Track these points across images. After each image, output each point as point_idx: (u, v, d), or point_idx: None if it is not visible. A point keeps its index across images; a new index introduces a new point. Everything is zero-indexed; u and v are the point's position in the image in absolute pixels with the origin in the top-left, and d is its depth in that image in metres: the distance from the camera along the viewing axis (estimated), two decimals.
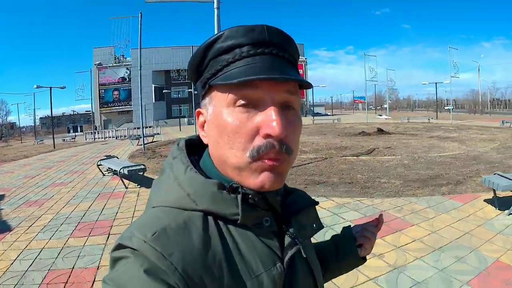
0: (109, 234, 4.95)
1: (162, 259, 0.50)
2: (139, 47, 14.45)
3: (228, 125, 0.58)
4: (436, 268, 3.56)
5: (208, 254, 0.54)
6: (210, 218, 0.58)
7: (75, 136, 41.23)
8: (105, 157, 10.24)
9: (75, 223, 5.56)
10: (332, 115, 68.54)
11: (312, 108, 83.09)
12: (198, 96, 0.68)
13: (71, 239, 4.82)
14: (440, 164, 9.07)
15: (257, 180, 0.58)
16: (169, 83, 63.28)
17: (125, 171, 7.79)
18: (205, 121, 0.65)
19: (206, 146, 0.68)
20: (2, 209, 6.79)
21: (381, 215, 0.97)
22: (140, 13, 14.31)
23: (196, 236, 0.55)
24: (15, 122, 78.18)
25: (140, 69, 14.87)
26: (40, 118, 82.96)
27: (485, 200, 5.69)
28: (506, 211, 5.12)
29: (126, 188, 7.83)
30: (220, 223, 0.59)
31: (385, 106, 74.89)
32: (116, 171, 8.26)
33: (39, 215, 6.17)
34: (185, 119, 58.98)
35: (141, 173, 8.21)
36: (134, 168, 8.13)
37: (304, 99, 75.71)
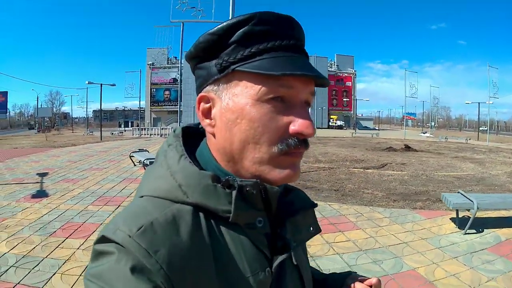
0: (119, 205, 6.30)
1: (148, 256, 0.48)
2: (180, 55, 15.31)
3: (257, 119, 0.55)
4: (346, 263, 3.94)
5: (195, 253, 0.52)
6: (200, 214, 0.56)
7: (124, 130, 43.96)
8: (138, 150, 11.72)
9: (97, 196, 7.01)
10: (378, 130, 67.58)
11: (358, 121, 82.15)
12: (202, 78, 0.61)
13: (90, 206, 6.28)
14: (438, 182, 9.33)
15: (283, 173, 0.57)
16: None
17: (148, 162, 9.15)
18: (210, 108, 0.60)
19: (205, 134, 0.65)
20: (44, 182, 8.44)
21: (379, 280, 0.77)
22: (182, 23, 15.11)
23: (184, 232, 0.52)
24: (68, 113, 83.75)
25: (181, 75, 16.05)
26: (93, 110, 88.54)
27: (450, 218, 5.78)
28: (463, 230, 5.18)
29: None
30: (211, 219, 0.56)
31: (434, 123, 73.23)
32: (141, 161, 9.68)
33: (72, 189, 7.71)
34: None
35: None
36: (153, 159, 9.30)
37: (352, 112, 75.60)
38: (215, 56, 0.58)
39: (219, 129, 0.59)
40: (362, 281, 0.77)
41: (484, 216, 5.89)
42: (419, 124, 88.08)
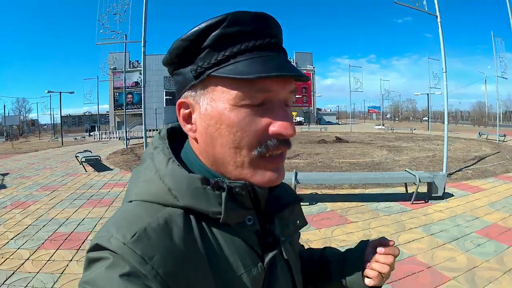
0: (54, 190, 8.38)
1: (143, 263, 0.48)
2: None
3: (236, 124, 0.55)
4: None
5: (190, 256, 0.53)
6: (191, 217, 0.56)
7: (86, 135, 44.96)
8: (83, 151, 13.65)
9: (41, 186, 9.10)
10: (338, 124, 70.46)
11: (321, 116, 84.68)
12: (180, 84, 0.61)
13: (34, 192, 8.37)
14: (325, 168, 10.64)
15: (265, 177, 0.58)
16: None
17: (84, 159, 11.27)
18: (190, 113, 0.61)
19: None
20: (4, 179, 10.44)
21: (393, 247, 0.77)
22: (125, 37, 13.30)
23: (177, 237, 0.52)
24: (37, 119, 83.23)
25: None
26: (62, 116, 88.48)
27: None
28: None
29: (86, 171, 11.23)
30: (202, 221, 0.57)
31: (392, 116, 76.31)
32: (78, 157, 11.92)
33: (25, 182, 9.77)
34: None
35: (94, 161, 11.71)
36: (89, 156, 11.76)
37: (312, 107, 78.04)
38: (190, 61, 0.57)
39: (200, 134, 0.59)
40: (380, 243, 0.78)
41: (324, 192, 7.44)
42: (387, 116, 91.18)
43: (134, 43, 11.77)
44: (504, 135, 20.57)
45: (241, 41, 0.55)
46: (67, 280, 3.63)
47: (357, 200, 6.80)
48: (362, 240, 0.85)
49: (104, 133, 37.68)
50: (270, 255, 0.62)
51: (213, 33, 0.55)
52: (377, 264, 0.76)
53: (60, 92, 31.36)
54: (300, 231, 0.79)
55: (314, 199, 6.88)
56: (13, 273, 3.81)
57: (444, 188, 6.92)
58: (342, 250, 0.89)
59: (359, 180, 7.19)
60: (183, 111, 0.61)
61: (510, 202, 6.51)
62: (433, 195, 6.76)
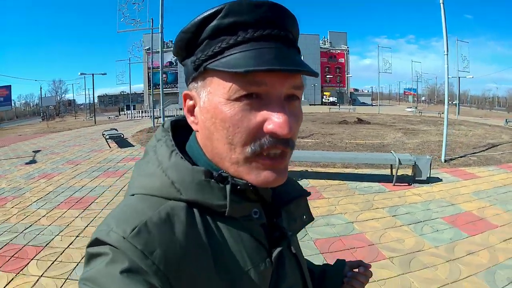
0: (77, 164, 9.46)
1: (143, 258, 0.47)
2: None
3: (229, 119, 0.53)
4: None
5: (193, 250, 0.51)
6: (195, 210, 0.55)
7: (119, 114, 46.68)
8: (109, 129, 14.83)
9: (67, 160, 10.22)
10: (372, 105, 69.07)
11: (356, 97, 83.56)
12: (186, 75, 0.61)
13: (60, 165, 9.49)
14: (329, 148, 11.10)
15: (259, 177, 0.55)
16: None
17: (107, 136, 12.45)
18: (194, 106, 0.59)
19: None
20: (36, 155, 11.71)
21: (370, 270, 0.87)
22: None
23: (180, 230, 0.51)
24: (74, 100, 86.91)
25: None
26: (98, 96, 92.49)
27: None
28: None
29: (110, 147, 12.32)
30: (206, 215, 0.55)
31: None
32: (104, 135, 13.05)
33: (54, 158, 10.93)
34: None
35: (118, 138, 12.81)
36: (114, 134, 12.91)
37: (346, 88, 76.89)
38: (192, 53, 0.57)
39: (200, 127, 0.58)
40: (359, 265, 0.88)
41: (315, 170, 7.90)
42: (423, 99, 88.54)
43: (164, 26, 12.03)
44: None
45: (237, 33, 0.53)
46: (70, 230, 4.72)
47: (342, 179, 7.18)
48: (338, 259, 0.91)
49: (138, 111, 39.19)
50: (278, 249, 0.60)
51: (210, 25, 0.53)
52: (357, 282, 0.84)
53: (93, 74, 33.49)
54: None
55: (302, 175, 7.42)
56: (30, 225, 4.92)
57: (430, 172, 6.98)
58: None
59: (341, 159, 7.65)
60: (188, 103, 0.60)
61: (498, 192, 6.41)
62: (417, 178, 6.89)
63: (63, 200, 6.11)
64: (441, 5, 8.98)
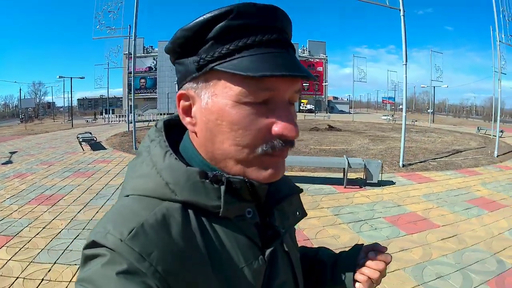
0: (50, 165, 9.78)
1: (141, 260, 0.47)
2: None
3: (237, 122, 0.53)
4: None
5: (189, 251, 0.52)
6: (190, 211, 0.55)
7: (95, 118, 46.36)
8: (84, 133, 15.14)
9: (41, 162, 10.55)
10: (349, 113, 70.17)
11: (334, 105, 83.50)
12: (181, 74, 0.58)
13: (34, 166, 9.79)
14: (292, 154, 11.96)
15: (266, 173, 0.57)
16: None
17: (81, 138, 12.85)
18: (190, 106, 0.58)
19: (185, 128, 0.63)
20: (12, 156, 11.98)
21: (386, 253, 0.78)
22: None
23: (176, 231, 0.52)
24: (53, 102, 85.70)
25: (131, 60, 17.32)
26: (78, 99, 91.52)
27: None
28: None
29: (83, 150, 12.71)
30: (201, 215, 0.56)
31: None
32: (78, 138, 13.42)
33: (28, 159, 11.27)
34: None
35: (92, 141, 13.21)
36: (87, 137, 13.31)
37: (323, 96, 77.75)
38: (193, 52, 0.55)
39: (199, 128, 0.58)
40: (373, 249, 0.78)
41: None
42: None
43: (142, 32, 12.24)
44: (502, 131, 19.60)
45: (247, 35, 0.52)
46: (38, 222, 5.20)
47: (297, 182, 7.61)
48: (356, 244, 0.84)
49: (117, 115, 39.27)
50: (271, 247, 0.61)
51: (218, 25, 0.52)
52: (368, 269, 0.76)
53: (71, 78, 33.34)
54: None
55: None
56: (2, 218, 5.37)
57: (381, 176, 7.37)
58: None
59: (299, 163, 8.19)
60: (183, 103, 0.59)
61: (450, 195, 6.73)
62: (368, 181, 7.26)
63: (34, 197, 6.54)
64: (401, 18, 9.64)
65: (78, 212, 5.64)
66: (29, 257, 3.98)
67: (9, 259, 3.92)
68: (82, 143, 13.07)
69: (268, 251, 0.61)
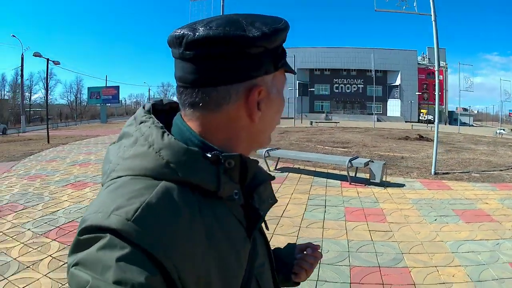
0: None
1: (147, 240, 0.48)
2: None
3: (282, 105, 0.69)
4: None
5: (190, 229, 0.53)
6: (187, 190, 0.56)
7: None
8: None
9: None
10: (472, 126, 64.09)
11: (457, 116, 77.93)
12: (247, 65, 0.61)
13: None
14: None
15: (268, 141, 0.74)
16: (313, 80, 70.72)
17: None
18: (262, 99, 0.63)
19: (168, 112, 0.70)
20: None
21: (318, 251, 0.98)
22: None
23: (177, 210, 0.53)
24: None
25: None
26: None
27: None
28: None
29: None
30: (197, 194, 0.57)
31: None
32: None
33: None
34: (323, 114, 64.84)
35: None
36: None
37: (443, 106, 72.90)
38: (273, 53, 0.62)
39: (264, 119, 0.65)
40: (307, 247, 0.97)
41: (303, 167, 9.86)
42: None
43: None
44: None
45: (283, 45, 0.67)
46: None
47: (315, 175, 8.88)
48: (289, 243, 1.01)
49: None
50: (256, 227, 0.66)
51: (285, 33, 0.64)
52: (305, 263, 0.94)
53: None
54: None
55: (286, 170, 9.69)
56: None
57: (382, 176, 7.72)
58: None
59: (312, 158, 9.41)
60: (259, 97, 0.62)
61: (443, 202, 6.72)
62: (371, 180, 7.79)
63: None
64: (433, 23, 9.28)
65: None
66: None
67: None
68: None
69: (253, 232, 0.65)
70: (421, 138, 22.04)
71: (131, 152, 0.59)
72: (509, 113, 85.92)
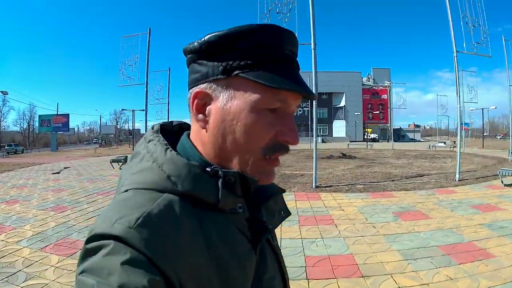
0: (80, 176, 14.55)
1: (149, 246, 0.49)
2: (146, 66, 16.65)
3: (252, 125, 0.60)
4: None
5: (190, 240, 0.54)
6: (189, 203, 0.58)
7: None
8: (116, 156, 20.35)
9: (80, 174, 15.39)
10: (415, 141, 66.98)
11: (405, 133, 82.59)
12: (200, 74, 0.63)
13: (75, 176, 14.68)
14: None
15: (264, 176, 0.64)
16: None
17: (111, 160, 17.82)
18: (205, 104, 0.63)
19: (177, 133, 0.72)
20: (62, 170, 17.20)
21: None
22: (149, 29, 16.77)
23: (178, 221, 0.54)
24: (137, 129, 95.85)
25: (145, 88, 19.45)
26: (133, 130, 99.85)
27: None
28: None
29: (113, 168, 17.40)
30: (198, 207, 0.59)
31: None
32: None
33: (73, 172, 16.31)
34: (320, 137, 64.90)
35: (122, 161, 17.79)
36: (119, 158, 18.31)
37: (388, 124, 74.06)
38: (217, 57, 0.61)
39: (212, 125, 0.62)
40: None
41: None
42: (475, 134, 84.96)
43: None
44: None
45: (271, 51, 0.61)
46: None
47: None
48: None
49: None
50: (262, 241, 0.65)
51: (250, 38, 0.60)
52: None
53: (133, 110, 41.16)
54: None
55: None
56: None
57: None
58: None
59: None
60: (198, 101, 0.63)
61: (300, 210, 7.57)
62: None
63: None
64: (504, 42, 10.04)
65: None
66: None
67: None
68: (113, 163, 18.01)
69: (259, 245, 0.64)
70: (343, 156, 23.56)
71: (138, 168, 0.62)
72: (461, 127, 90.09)
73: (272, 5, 11.01)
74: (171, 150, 0.62)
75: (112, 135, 78.23)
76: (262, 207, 0.70)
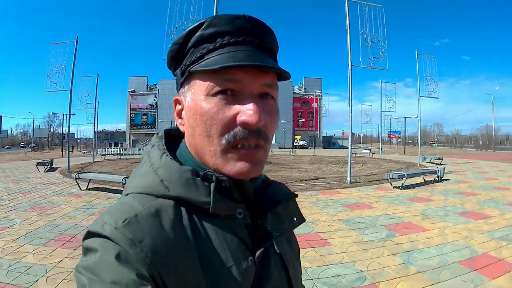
0: (7, 177, 15.25)
1: (133, 245, 0.51)
2: (71, 73, 17.04)
3: (206, 113, 0.59)
4: None
5: (179, 243, 0.54)
6: (182, 208, 0.59)
7: (72, 151, 49.21)
8: (42, 160, 20.18)
9: (5, 176, 15.80)
10: (343, 148, 69.90)
11: (336, 141, 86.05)
12: (176, 83, 0.67)
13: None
14: None
15: (235, 167, 0.60)
16: None
17: (37, 163, 18.23)
18: (182, 109, 0.66)
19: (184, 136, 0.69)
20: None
21: None
22: (77, 37, 17.09)
23: (167, 224, 0.55)
24: (68, 133, 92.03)
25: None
26: (95, 131, 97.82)
27: None
28: None
29: (38, 170, 17.70)
30: (192, 212, 0.59)
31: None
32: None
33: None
34: None
35: (47, 165, 18.12)
36: (45, 162, 18.51)
37: (318, 131, 76.78)
38: (180, 62, 0.64)
39: (186, 126, 0.65)
40: None
41: None
42: (409, 141, 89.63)
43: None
44: (440, 158, 21.78)
45: (216, 40, 0.60)
46: None
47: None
48: None
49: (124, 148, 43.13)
50: (261, 249, 0.63)
51: (194, 35, 0.62)
52: None
53: (63, 114, 40.38)
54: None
55: (97, 189, 11.47)
56: None
57: None
58: None
59: (116, 179, 10.76)
60: (177, 107, 0.67)
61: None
62: None
63: None
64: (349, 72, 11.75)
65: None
66: None
67: None
68: (38, 166, 18.08)
69: (258, 252, 0.62)
70: (268, 163, 22.54)
71: (139, 172, 0.65)
72: (388, 134, 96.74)
73: (179, 22, 11.68)
74: (166, 155, 0.64)
75: (45, 139, 74.95)
76: (269, 212, 0.68)
